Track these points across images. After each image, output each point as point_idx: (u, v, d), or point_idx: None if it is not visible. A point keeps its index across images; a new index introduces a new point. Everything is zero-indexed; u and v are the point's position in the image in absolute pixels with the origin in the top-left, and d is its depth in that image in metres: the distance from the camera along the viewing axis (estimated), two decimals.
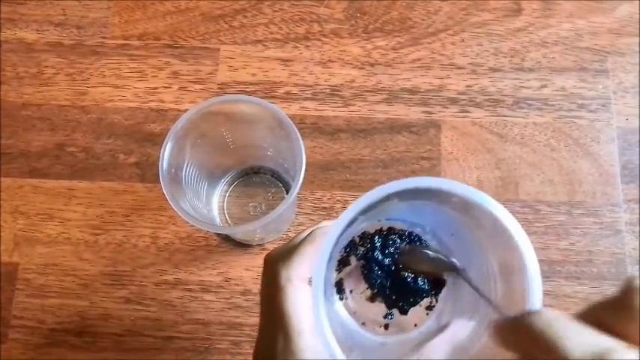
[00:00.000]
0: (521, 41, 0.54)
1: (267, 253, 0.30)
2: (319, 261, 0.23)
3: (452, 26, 0.55)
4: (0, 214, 0.50)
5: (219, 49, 0.54)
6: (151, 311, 0.48)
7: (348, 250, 0.31)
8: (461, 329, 0.28)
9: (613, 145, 0.52)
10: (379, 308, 0.31)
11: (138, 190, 0.51)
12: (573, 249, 0.49)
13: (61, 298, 0.49)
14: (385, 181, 0.51)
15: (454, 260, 0.28)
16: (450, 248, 0.30)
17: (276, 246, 0.50)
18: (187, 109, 0.38)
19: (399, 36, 0.55)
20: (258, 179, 0.51)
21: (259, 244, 0.50)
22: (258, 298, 0.43)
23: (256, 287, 0.48)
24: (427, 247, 0.30)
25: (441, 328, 0.29)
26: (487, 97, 0.53)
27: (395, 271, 0.30)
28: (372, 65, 0.54)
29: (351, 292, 0.31)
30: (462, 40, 0.54)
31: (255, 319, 0.47)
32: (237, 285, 0.48)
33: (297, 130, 0.37)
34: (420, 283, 0.30)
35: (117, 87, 0.53)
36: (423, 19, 0.55)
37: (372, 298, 0.31)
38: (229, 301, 0.48)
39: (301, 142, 0.37)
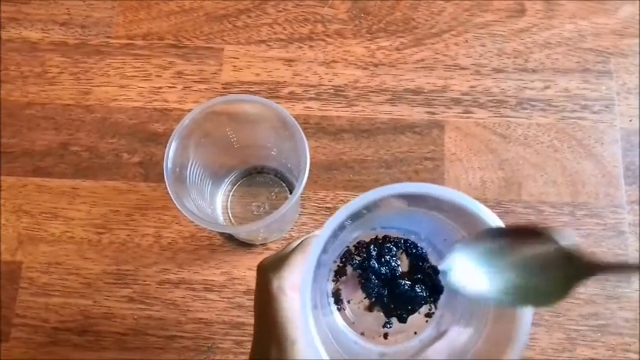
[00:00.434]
0: (525, 42, 0.54)
1: (260, 261, 0.30)
2: (306, 269, 0.23)
3: (455, 27, 0.55)
4: (3, 213, 0.51)
5: (223, 49, 0.54)
6: (154, 310, 0.48)
7: (344, 260, 0.31)
8: (459, 336, 0.28)
9: (616, 147, 0.52)
10: (378, 317, 0.31)
11: (141, 189, 0.51)
12: None
13: (64, 296, 0.49)
14: (388, 181, 0.52)
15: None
16: (443, 254, 0.30)
17: (279, 246, 0.50)
18: (191, 109, 0.39)
19: (402, 36, 0.55)
20: (261, 179, 0.51)
21: (262, 244, 0.50)
22: None
23: None
24: (424, 257, 0.30)
25: (440, 335, 0.29)
26: (490, 98, 0.53)
27: (392, 280, 0.30)
28: (375, 66, 0.54)
29: (348, 302, 0.31)
30: (466, 41, 0.54)
31: None
32: (240, 284, 0.49)
33: (301, 130, 0.37)
34: (418, 290, 0.30)
35: (121, 86, 0.53)
36: (427, 20, 0.55)
37: (370, 308, 0.31)
38: (232, 300, 0.48)
39: (305, 142, 0.37)
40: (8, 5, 0.56)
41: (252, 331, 0.47)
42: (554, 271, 0.23)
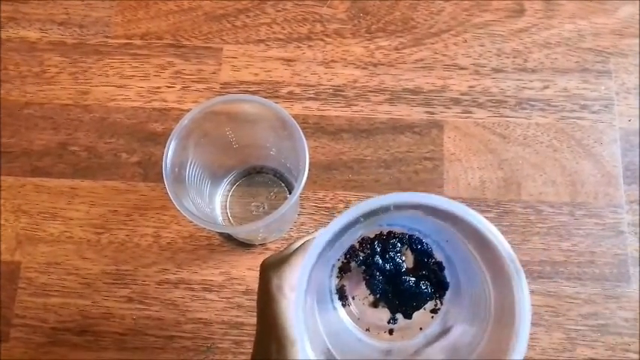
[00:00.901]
0: (524, 42, 0.54)
1: (263, 260, 0.30)
2: (301, 274, 0.23)
3: (454, 27, 0.55)
4: (2, 213, 0.50)
5: (221, 49, 0.54)
6: (152, 310, 0.48)
7: (348, 256, 0.31)
8: (463, 335, 0.28)
9: (615, 146, 0.52)
10: (383, 313, 0.31)
11: (140, 189, 0.51)
12: (575, 250, 0.49)
13: (63, 297, 0.49)
14: (387, 181, 0.52)
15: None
16: (447, 253, 0.30)
17: (278, 246, 0.50)
18: (190, 109, 0.39)
19: (401, 36, 0.55)
20: (260, 179, 0.51)
21: (262, 244, 0.50)
22: None
23: None
24: (429, 252, 0.30)
25: (444, 332, 0.29)
26: (490, 98, 0.53)
27: (397, 276, 0.30)
28: (374, 65, 0.54)
29: (353, 298, 0.31)
30: (465, 41, 0.54)
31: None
32: (239, 284, 0.48)
33: (300, 130, 0.37)
34: (423, 287, 0.29)
35: (119, 86, 0.53)
36: (426, 20, 0.55)
37: (374, 304, 0.31)
38: (231, 300, 0.48)
39: (304, 142, 0.37)
40: (6, 5, 0.56)
41: (251, 331, 0.47)
42: None
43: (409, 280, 0.29)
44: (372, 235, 0.30)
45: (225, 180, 0.51)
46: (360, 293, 0.31)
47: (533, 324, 0.47)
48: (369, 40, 0.54)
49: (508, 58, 0.54)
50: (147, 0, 0.56)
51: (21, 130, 0.52)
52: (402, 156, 0.51)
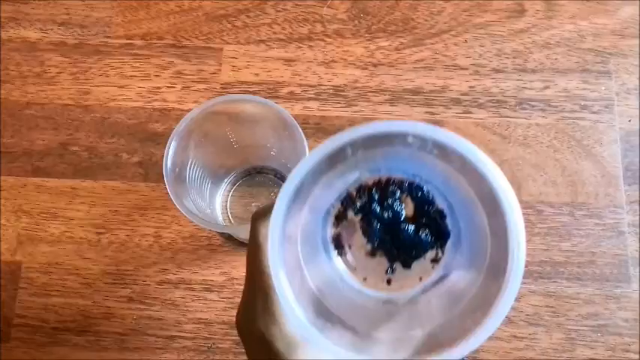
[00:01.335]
0: (524, 42, 0.54)
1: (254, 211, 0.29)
2: (276, 209, 0.22)
3: (455, 27, 0.55)
4: (3, 213, 0.51)
5: (222, 49, 0.54)
6: (153, 310, 0.48)
7: (344, 204, 0.29)
8: (458, 281, 0.27)
9: (616, 147, 0.52)
10: (381, 263, 0.29)
11: (141, 189, 0.51)
12: (576, 250, 0.49)
13: (64, 297, 0.49)
14: None
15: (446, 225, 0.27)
16: (448, 200, 0.29)
17: None
18: (190, 109, 0.39)
19: (402, 37, 0.55)
20: (261, 179, 0.51)
21: None
22: None
23: None
24: (430, 200, 0.29)
25: (442, 279, 0.28)
26: (490, 98, 0.53)
27: (395, 225, 0.28)
28: (375, 66, 0.54)
29: (350, 247, 0.30)
30: (465, 41, 0.54)
31: None
32: (239, 284, 0.49)
33: (301, 130, 0.37)
34: (423, 235, 0.28)
35: (120, 86, 0.53)
36: (426, 20, 0.55)
37: (372, 253, 0.29)
38: (232, 300, 0.48)
39: (305, 142, 0.37)
40: (7, 5, 0.56)
41: None
42: None
43: (408, 229, 0.28)
44: (370, 183, 0.29)
45: (226, 180, 0.51)
46: (357, 242, 0.29)
47: (532, 324, 0.48)
48: (369, 40, 0.54)
49: (508, 58, 0.54)
50: (147, 0, 0.56)
51: (22, 130, 0.53)
52: None
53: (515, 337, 0.48)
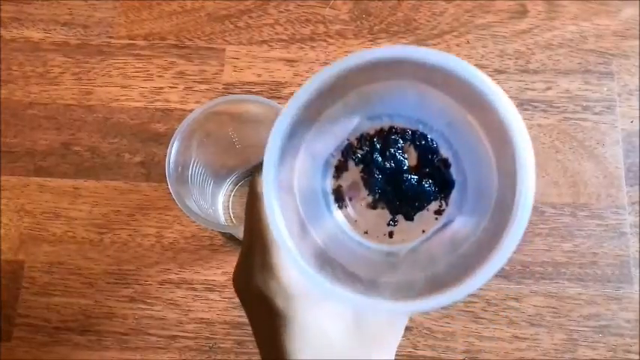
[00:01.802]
0: (526, 43, 0.54)
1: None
2: (270, 144, 0.21)
3: (457, 28, 0.55)
4: (5, 213, 0.51)
5: (224, 50, 0.54)
6: (155, 310, 0.48)
7: (345, 154, 0.28)
8: (462, 226, 0.26)
9: (617, 148, 0.52)
10: (382, 215, 0.28)
11: (143, 189, 0.51)
12: (577, 251, 0.49)
13: (66, 296, 0.49)
14: None
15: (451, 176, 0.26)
16: (453, 148, 0.28)
17: None
18: (193, 109, 0.39)
19: (404, 37, 0.55)
20: None
21: None
22: None
23: None
24: (434, 149, 0.28)
25: (444, 226, 0.27)
26: None
27: (398, 175, 0.27)
28: None
29: (350, 199, 0.29)
30: (467, 42, 0.54)
31: None
32: None
33: None
34: (426, 186, 0.27)
35: (123, 87, 0.53)
36: (428, 21, 0.55)
37: (373, 205, 0.28)
38: (233, 300, 0.48)
39: None
40: (10, 5, 0.56)
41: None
42: None
43: (411, 179, 0.27)
44: (371, 132, 0.28)
45: (228, 180, 0.51)
46: (358, 194, 0.28)
47: (534, 325, 0.48)
48: (371, 41, 0.55)
49: (510, 59, 0.54)
50: (150, 1, 0.56)
51: (25, 130, 0.53)
52: None
53: (516, 337, 0.48)
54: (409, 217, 0.28)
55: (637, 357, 0.47)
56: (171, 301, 0.48)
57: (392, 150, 0.27)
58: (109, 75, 0.54)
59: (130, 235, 0.50)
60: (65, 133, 0.52)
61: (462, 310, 0.48)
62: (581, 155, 0.51)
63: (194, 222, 0.38)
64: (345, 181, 0.28)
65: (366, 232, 0.28)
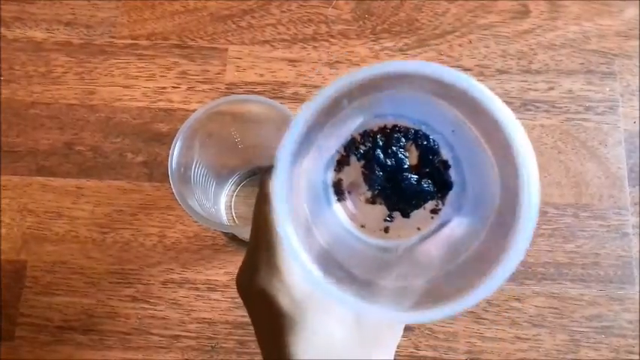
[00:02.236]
0: (529, 43, 0.54)
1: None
2: (284, 147, 0.22)
3: (459, 28, 0.55)
4: (8, 212, 0.51)
5: (227, 50, 0.54)
6: (157, 310, 0.48)
7: (347, 149, 0.28)
8: (459, 229, 0.27)
9: (620, 148, 0.52)
10: (380, 211, 0.29)
11: (145, 189, 0.51)
12: (580, 251, 0.49)
13: (68, 295, 0.49)
14: None
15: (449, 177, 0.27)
16: (455, 152, 0.28)
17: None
18: (195, 109, 0.39)
19: (406, 37, 0.55)
20: None
21: None
22: None
23: None
24: (435, 150, 0.28)
25: (440, 226, 0.27)
26: None
27: (398, 173, 0.28)
28: None
29: (349, 193, 0.29)
30: (470, 42, 0.54)
31: None
32: None
33: None
34: (425, 185, 0.28)
35: (125, 86, 0.54)
36: (431, 21, 0.55)
37: (372, 200, 0.29)
38: (236, 300, 0.48)
39: None
40: (13, 5, 0.56)
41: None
42: None
43: (410, 178, 0.28)
44: (375, 128, 0.28)
45: (231, 180, 0.51)
46: (358, 189, 0.29)
47: (537, 325, 0.48)
48: (374, 41, 0.55)
49: (513, 59, 0.54)
50: (153, 0, 0.56)
51: (27, 130, 0.53)
52: None
53: (518, 338, 0.48)
54: (405, 214, 0.28)
55: (639, 358, 0.47)
56: (174, 301, 0.48)
57: (394, 148, 0.28)
58: (111, 75, 0.54)
59: (132, 234, 0.50)
60: (68, 133, 0.53)
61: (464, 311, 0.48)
62: (584, 156, 0.51)
63: (196, 222, 0.38)
64: (346, 174, 0.29)
65: (363, 226, 0.29)
